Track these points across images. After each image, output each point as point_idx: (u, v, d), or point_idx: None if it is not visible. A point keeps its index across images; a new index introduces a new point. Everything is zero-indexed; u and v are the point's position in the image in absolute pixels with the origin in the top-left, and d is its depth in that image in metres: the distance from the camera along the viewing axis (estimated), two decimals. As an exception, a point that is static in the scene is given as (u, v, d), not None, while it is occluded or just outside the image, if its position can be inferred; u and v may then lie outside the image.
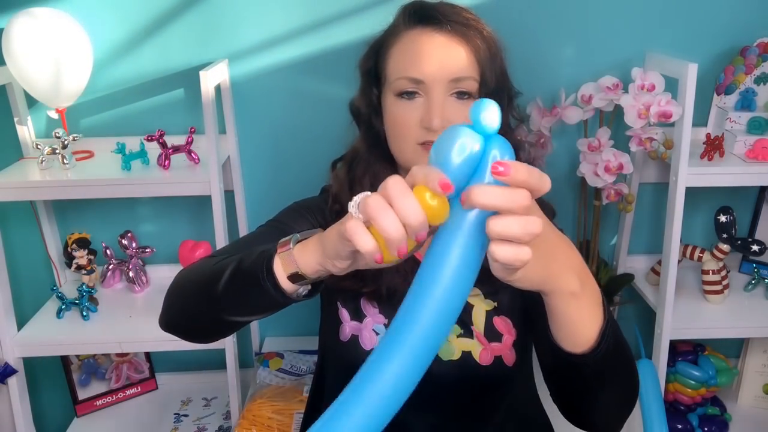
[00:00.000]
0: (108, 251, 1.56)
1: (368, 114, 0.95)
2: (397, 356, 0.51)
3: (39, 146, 1.37)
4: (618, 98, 1.30)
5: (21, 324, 1.44)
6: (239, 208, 1.56)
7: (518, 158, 1.00)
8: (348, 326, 0.94)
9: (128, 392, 1.68)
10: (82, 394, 1.64)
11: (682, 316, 1.41)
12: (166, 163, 1.37)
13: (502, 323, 0.92)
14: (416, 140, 0.88)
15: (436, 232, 0.53)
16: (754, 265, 1.54)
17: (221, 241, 1.38)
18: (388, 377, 0.51)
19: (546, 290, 0.60)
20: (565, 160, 1.52)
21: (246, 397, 1.52)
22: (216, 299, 0.74)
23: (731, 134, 1.39)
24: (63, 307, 1.47)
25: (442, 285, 0.51)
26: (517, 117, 0.99)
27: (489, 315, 0.93)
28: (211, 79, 1.29)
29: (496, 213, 0.49)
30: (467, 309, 0.93)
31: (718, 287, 1.45)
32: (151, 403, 1.68)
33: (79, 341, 1.42)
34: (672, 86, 1.27)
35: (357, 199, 0.55)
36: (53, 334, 1.43)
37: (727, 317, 1.43)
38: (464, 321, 0.92)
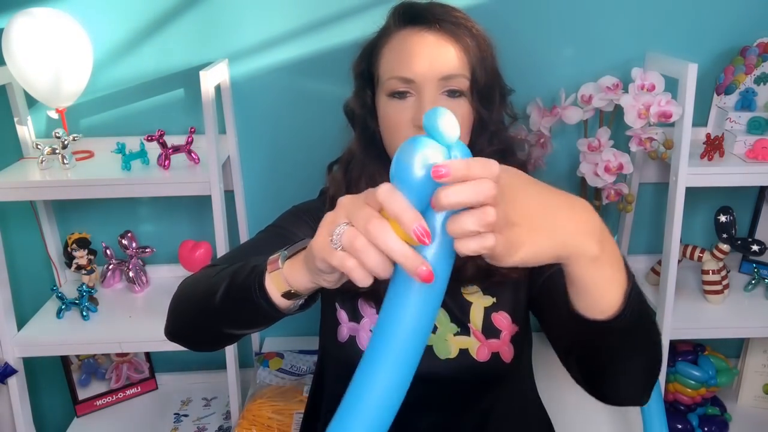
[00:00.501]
0: (108, 251, 1.56)
1: (363, 115, 0.96)
2: (384, 362, 0.51)
3: (39, 146, 1.37)
4: (618, 98, 1.30)
5: (21, 324, 1.44)
6: (239, 208, 1.56)
7: (517, 158, 1.00)
8: (346, 327, 0.95)
9: (128, 392, 1.68)
10: (82, 394, 1.64)
11: (682, 316, 1.41)
12: (166, 163, 1.37)
13: (500, 319, 0.93)
14: None
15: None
16: (754, 265, 1.54)
17: (221, 241, 1.38)
18: (379, 384, 0.51)
19: (562, 258, 0.56)
20: (565, 160, 1.52)
21: (246, 397, 1.52)
22: (213, 314, 0.74)
23: (731, 134, 1.39)
24: (63, 307, 1.47)
25: (416, 293, 0.51)
26: (510, 114, 0.99)
27: (487, 312, 0.93)
28: (211, 79, 1.29)
29: None
30: (465, 307, 0.93)
31: (718, 287, 1.45)
32: (151, 403, 1.68)
33: (79, 341, 1.42)
34: (672, 86, 1.27)
35: (338, 231, 0.53)
36: (53, 334, 1.43)
37: (727, 317, 1.43)
38: (461, 319, 0.92)
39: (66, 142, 1.36)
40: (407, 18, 0.91)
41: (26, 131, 1.48)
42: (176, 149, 1.38)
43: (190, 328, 0.81)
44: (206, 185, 1.32)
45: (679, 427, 1.53)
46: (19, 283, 1.58)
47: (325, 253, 0.53)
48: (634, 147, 1.33)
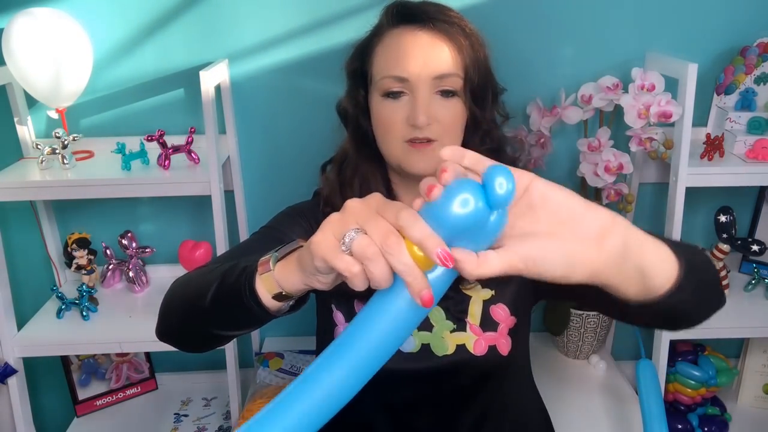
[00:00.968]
0: (108, 251, 1.56)
1: (356, 115, 0.96)
2: (343, 364, 0.52)
3: (39, 146, 1.37)
4: (618, 98, 1.30)
5: (21, 324, 1.44)
6: (239, 208, 1.56)
7: (508, 156, 1.00)
8: (342, 328, 0.95)
9: (128, 392, 1.68)
10: (82, 394, 1.64)
11: (682, 316, 1.40)
12: (166, 163, 1.37)
13: (498, 311, 0.93)
14: (403, 138, 0.89)
15: None
16: (754, 265, 1.54)
17: (221, 241, 1.38)
18: (332, 379, 0.52)
19: (594, 276, 0.53)
20: (565, 160, 1.52)
21: (246, 397, 1.52)
22: (203, 315, 0.74)
23: (731, 134, 1.39)
24: (63, 307, 1.47)
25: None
26: (502, 114, 0.99)
27: (486, 304, 0.93)
28: (211, 79, 1.29)
29: None
30: (464, 301, 0.93)
31: (718, 287, 1.45)
32: (151, 403, 1.68)
33: (79, 341, 1.42)
34: (672, 86, 1.27)
35: (350, 236, 0.51)
36: (53, 334, 1.43)
37: (727, 317, 1.43)
38: (458, 316, 0.93)
39: (66, 142, 1.36)
40: (401, 17, 0.91)
41: (26, 131, 1.48)
42: (176, 149, 1.38)
43: (180, 329, 0.80)
44: (206, 185, 1.32)
45: (679, 427, 1.53)
46: (19, 283, 1.57)
47: (329, 254, 0.52)
48: (634, 147, 1.33)
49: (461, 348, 0.91)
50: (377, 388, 0.94)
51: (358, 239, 0.50)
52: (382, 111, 0.90)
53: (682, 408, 1.56)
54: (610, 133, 1.36)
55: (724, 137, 1.34)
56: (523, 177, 0.51)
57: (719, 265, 1.45)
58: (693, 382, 1.52)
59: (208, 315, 0.73)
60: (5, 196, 1.32)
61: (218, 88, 1.42)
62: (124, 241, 1.54)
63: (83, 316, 1.45)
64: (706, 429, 1.53)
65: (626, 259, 0.54)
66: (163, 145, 1.36)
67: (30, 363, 1.49)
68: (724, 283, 1.46)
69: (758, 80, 1.42)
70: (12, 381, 1.41)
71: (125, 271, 1.57)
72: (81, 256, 1.54)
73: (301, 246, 0.62)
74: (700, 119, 1.46)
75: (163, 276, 1.62)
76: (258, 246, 0.86)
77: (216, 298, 0.71)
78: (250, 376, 1.61)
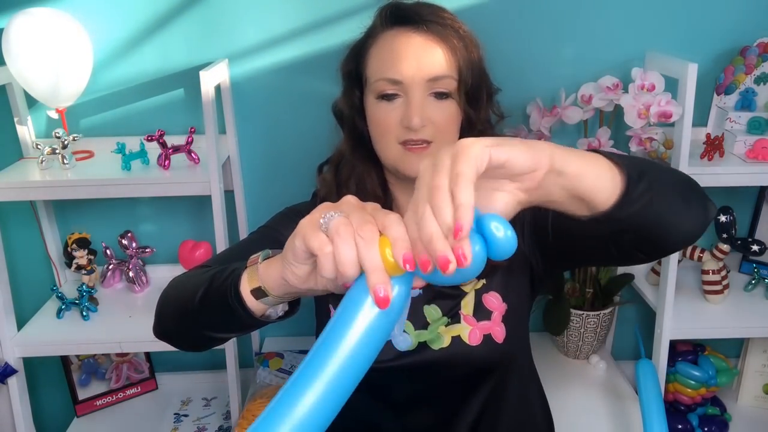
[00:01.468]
0: (108, 251, 1.56)
1: (351, 116, 0.96)
2: (316, 381, 0.51)
3: (39, 146, 1.37)
4: (618, 98, 1.30)
5: (21, 324, 1.44)
6: (239, 208, 1.56)
7: None
8: None
9: (128, 392, 1.68)
10: (82, 394, 1.64)
11: (682, 316, 1.41)
12: (166, 163, 1.37)
13: (491, 299, 0.93)
14: (398, 140, 0.89)
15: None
16: (754, 265, 1.54)
17: (221, 241, 1.38)
18: (306, 397, 0.51)
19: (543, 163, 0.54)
20: (565, 160, 1.52)
21: (246, 397, 1.52)
22: (193, 317, 0.74)
23: (731, 134, 1.39)
24: (63, 307, 1.47)
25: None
26: (497, 113, 0.99)
27: (478, 294, 0.93)
28: (211, 79, 1.29)
29: None
30: (459, 296, 0.93)
31: (718, 287, 1.45)
32: (151, 403, 1.68)
33: (79, 341, 1.42)
34: (672, 86, 1.27)
35: (330, 215, 0.54)
36: (53, 334, 1.43)
37: (727, 317, 1.43)
38: (453, 309, 0.93)
39: (66, 142, 1.36)
40: (394, 18, 0.91)
41: (26, 131, 1.48)
42: (176, 149, 1.38)
43: (174, 329, 0.81)
44: (206, 185, 1.32)
45: (679, 427, 1.53)
46: (19, 283, 1.58)
47: (308, 230, 0.54)
48: (634, 147, 1.33)
49: (457, 339, 0.92)
50: (376, 387, 0.94)
51: (336, 218, 0.52)
52: (377, 113, 0.90)
53: (682, 408, 1.56)
54: (610, 133, 1.36)
55: (724, 137, 1.34)
56: (481, 154, 0.51)
57: (719, 265, 1.45)
58: (693, 382, 1.52)
59: (198, 317, 0.74)
60: (5, 196, 1.32)
61: (218, 88, 1.42)
62: (124, 241, 1.54)
63: (83, 316, 1.45)
64: (706, 429, 1.53)
65: (556, 190, 0.56)
66: (163, 145, 1.36)
67: (30, 363, 1.49)
68: (724, 283, 1.45)
69: (758, 80, 1.42)
70: (12, 381, 1.41)
71: (125, 271, 1.57)
72: (81, 256, 1.54)
73: None
74: (700, 119, 1.46)
75: (163, 276, 1.61)
76: (254, 246, 0.86)
77: (204, 300, 0.71)
78: (250, 376, 1.61)
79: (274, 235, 0.93)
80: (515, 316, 0.94)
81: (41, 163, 1.36)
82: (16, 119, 1.47)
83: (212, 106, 1.28)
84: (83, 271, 1.55)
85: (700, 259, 1.46)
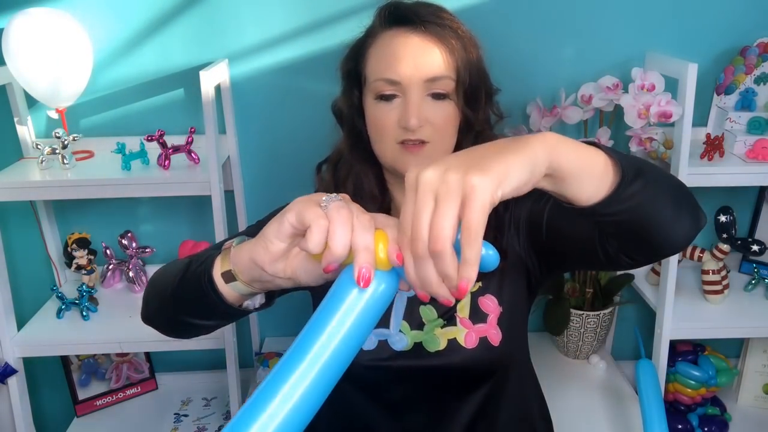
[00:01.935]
0: (108, 251, 1.56)
1: (350, 115, 0.96)
2: (299, 370, 0.51)
3: (39, 146, 1.37)
4: (618, 98, 1.30)
5: (21, 324, 1.44)
6: (239, 208, 1.56)
7: None
8: None
9: (128, 392, 1.68)
10: (82, 394, 1.64)
11: (682, 316, 1.41)
12: (166, 163, 1.37)
13: (487, 302, 0.94)
14: (395, 140, 0.89)
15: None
16: (754, 265, 1.54)
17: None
18: (289, 384, 0.51)
19: (542, 159, 0.56)
20: (565, 160, 1.52)
21: (246, 397, 1.52)
22: (172, 303, 0.76)
23: (731, 134, 1.39)
24: (63, 307, 1.47)
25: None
26: (497, 114, 0.99)
27: (474, 296, 0.93)
28: (211, 79, 1.29)
29: None
30: (455, 300, 0.93)
31: (718, 287, 1.45)
32: (151, 403, 1.68)
33: (79, 341, 1.42)
34: (672, 86, 1.27)
35: (333, 196, 0.56)
36: (53, 334, 1.43)
37: (727, 317, 1.43)
38: (448, 312, 0.93)
39: (66, 142, 1.36)
40: (393, 19, 0.91)
41: (26, 131, 1.48)
42: (176, 149, 1.38)
43: (158, 316, 0.82)
44: (206, 185, 1.32)
45: (679, 427, 1.53)
46: (19, 283, 1.58)
47: (306, 205, 0.56)
48: (634, 147, 1.33)
49: (452, 342, 0.92)
50: (372, 387, 0.94)
51: (339, 202, 0.55)
52: (375, 113, 0.90)
53: (682, 408, 1.56)
54: (610, 133, 1.36)
55: (724, 137, 1.34)
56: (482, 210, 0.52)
57: (719, 265, 1.45)
58: (693, 382, 1.52)
59: (176, 302, 0.75)
60: (5, 196, 1.32)
61: (218, 88, 1.42)
62: (124, 241, 1.54)
63: (83, 316, 1.45)
64: (706, 429, 1.53)
65: (551, 181, 0.58)
66: (163, 145, 1.36)
67: (30, 363, 1.49)
68: (724, 283, 1.45)
69: (758, 80, 1.42)
70: (12, 381, 1.41)
71: (125, 271, 1.57)
72: (81, 256, 1.54)
73: None
74: (700, 119, 1.46)
75: (163, 276, 1.61)
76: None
77: (180, 284, 0.73)
78: (250, 376, 1.61)
79: None
80: (511, 318, 0.94)
81: (41, 163, 1.36)
82: (16, 119, 1.47)
83: (212, 106, 1.28)
84: (83, 271, 1.55)
85: (700, 259, 1.46)
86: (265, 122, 1.52)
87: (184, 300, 0.74)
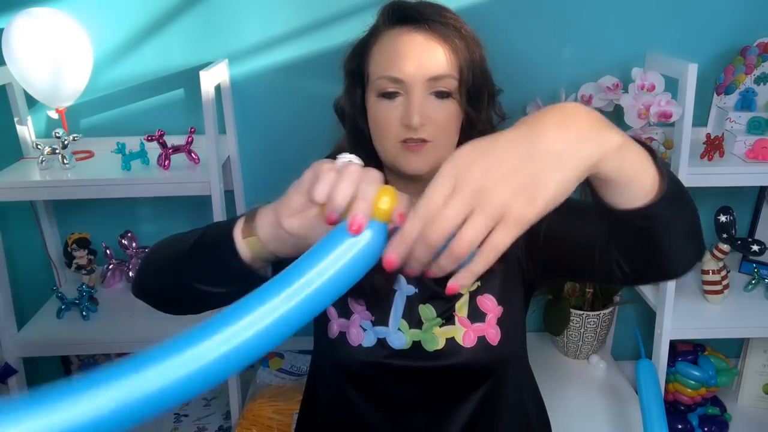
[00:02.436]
0: (108, 251, 1.56)
1: (353, 113, 0.96)
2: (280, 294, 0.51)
3: (39, 146, 1.37)
4: (618, 98, 1.31)
5: (21, 324, 1.44)
6: (239, 208, 1.56)
7: None
8: (336, 323, 0.95)
9: (128, 392, 1.68)
10: (82, 394, 1.63)
11: (682, 316, 1.41)
12: (166, 163, 1.37)
13: (485, 302, 0.94)
14: (397, 138, 0.89)
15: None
16: (754, 265, 1.54)
17: (221, 241, 1.38)
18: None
19: (591, 168, 0.54)
20: (565, 160, 1.52)
21: (246, 397, 1.52)
22: (181, 264, 0.76)
23: (731, 134, 1.39)
24: (63, 307, 1.47)
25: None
26: (499, 114, 0.99)
27: (473, 296, 0.93)
28: (211, 79, 1.29)
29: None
30: (453, 298, 0.93)
31: (718, 287, 1.45)
32: (151, 403, 1.68)
33: (79, 341, 1.42)
34: (672, 86, 1.27)
35: (348, 157, 0.60)
36: (53, 334, 1.43)
37: (727, 317, 1.43)
38: (447, 311, 0.93)
39: (66, 142, 1.36)
40: (396, 17, 0.91)
41: (26, 131, 1.48)
42: (176, 149, 1.38)
43: (157, 282, 0.81)
44: (206, 185, 1.32)
45: (679, 427, 1.53)
46: (19, 283, 1.57)
47: (321, 164, 0.60)
48: (634, 147, 1.33)
49: (451, 341, 0.92)
50: (371, 386, 0.95)
51: (353, 163, 0.58)
52: (378, 111, 0.90)
53: (682, 408, 1.56)
54: (610, 133, 1.36)
55: (724, 137, 1.34)
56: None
57: (719, 265, 1.45)
58: (693, 382, 1.52)
59: (187, 263, 0.75)
60: (5, 196, 1.32)
61: (218, 88, 1.42)
62: (124, 241, 1.54)
63: (83, 316, 1.45)
64: (706, 429, 1.53)
65: (620, 155, 0.57)
66: (163, 145, 1.36)
67: (30, 363, 1.49)
68: (724, 283, 1.45)
69: (758, 80, 1.42)
70: (12, 381, 1.41)
71: (125, 271, 1.57)
72: (81, 256, 1.54)
73: None
74: (700, 119, 1.46)
75: (163, 276, 1.61)
76: None
77: (196, 245, 0.74)
78: (250, 376, 1.61)
79: None
80: (510, 319, 0.94)
81: (41, 163, 1.36)
82: (16, 119, 1.47)
83: (212, 106, 1.28)
84: (83, 271, 1.55)
85: (700, 259, 1.46)
86: (265, 122, 1.52)
87: (197, 261, 0.74)
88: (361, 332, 0.93)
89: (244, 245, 0.68)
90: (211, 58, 1.45)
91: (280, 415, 1.40)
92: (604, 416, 1.42)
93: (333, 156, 1.01)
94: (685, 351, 1.57)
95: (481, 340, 0.92)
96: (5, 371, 1.39)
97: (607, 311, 1.53)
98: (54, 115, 1.44)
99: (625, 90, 1.32)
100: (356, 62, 0.95)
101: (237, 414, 1.48)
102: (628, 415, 1.43)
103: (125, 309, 1.50)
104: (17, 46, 1.30)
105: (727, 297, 1.47)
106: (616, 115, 1.38)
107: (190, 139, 1.39)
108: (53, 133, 1.36)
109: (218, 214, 1.35)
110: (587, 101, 1.34)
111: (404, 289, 0.94)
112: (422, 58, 0.87)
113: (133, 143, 1.39)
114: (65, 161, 1.37)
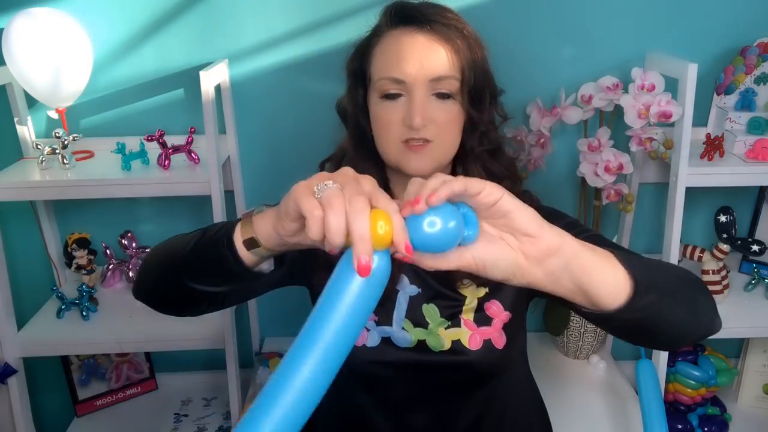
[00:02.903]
0: (108, 251, 1.56)
1: (355, 114, 0.96)
2: (309, 360, 0.53)
3: (39, 146, 1.37)
4: (618, 98, 1.30)
5: (21, 324, 1.44)
6: (239, 208, 1.56)
7: (507, 156, 1.01)
8: None
9: (128, 392, 1.68)
10: (82, 394, 1.64)
11: (682, 316, 1.40)
12: (166, 163, 1.37)
13: (492, 307, 0.94)
14: (399, 138, 0.89)
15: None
16: (754, 265, 1.54)
17: (221, 241, 1.38)
18: (300, 381, 0.53)
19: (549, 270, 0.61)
20: (565, 160, 1.52)
21: (246, 397, 1.52)
22: (181, 265, 0.77)
23: (731, 134, 1.39)
24: (63, 307, 1.47)
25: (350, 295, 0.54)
26: (501, 114, 0.99)
27: (480, 301, 0.94)
28: (211, 79, 1.29)
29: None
30: (459, 301, 0.93)
31: (718, 287, 1.45)
32: (151, 403, 1.68)
33: (79, 341, 1.42)
34: (672, 86, 1.27)
35: (325, 184, 0.58)
36: (53, 334, 1.43)
37: (727, 317, 1.41)
38: (454, 313, 0.93)
39: (66, 142, 1.36)
40: (399, 18, 0.91)
41: (26, 131, 1.48)
42: (176, 149, 1.38)
43: (158, 284, 0.82)
44: (206, 185, 1.32)
45: (679, 427, 1.53)
46: (19, 283, 1.57)
47: (302, 194, 0.57)
48: (634, 147, 1.33)
49: (457, 343, 0.92)
50: (375, 385, 0.95)
51: (330, 189, 0.56)
52: (380, 112, 0.91)
53: (682, 408, 1.56)
54: (610, 133, 1.36)
55: (724, 137, 1.34)
56: (495, 191, 0.58)
57: (719, 265, 1.45)
58: (693, 382, 1.52)
59: (186, 264, 0.76)
60: (5, 196, 1.32)
61: (218, 88, 1.42)
62: (124, 241, 1.54)
63: (83, 316, 1.45)
64: (706, 429, 1.53)
65: (562, 277, 0.62)
66: (163, 145, 1.36)
67: (30, 363, 1.49)
68: (724, 283, 1.45)
69: (758, 80, 1.42)
70: (12, 381, 1.41)
71: (125, 271, 1.57)
72: (81, 256, 1.54)
73: None
74: (700, 119, 1.46)
75: (163, 276, 1.61)
76: None
77: (195, 248, 0.75)
78: (250, 376, 1.61)
79: None
80: (515, 324, 0.95)
81: (41, 163, 1.36)
82: (16, 119, 1.47)
83: (212, 106, 1.28)
84: (83, 271, 1.55)
85: (700, 259, 1.46)
86: (265, 122, 1.52)
87: (196, 263, 0.76)
88: (365, 333, 0.93)
89: (248, 254, 0.70)
90: (211, 58, 1.45)
91: (280, 415, 1.40)
92: (604, 416, 1.42)
93: (335, 157, 1.01)
94: (685, 351, 1.57)
95: (487, 343, 0.92)
96: (5, 371, 1.39)
97: (607, 311, 1.53)
98: (54, 115, 1.44)
99: (625, 90, 1.32)
100: (358, 63, 0.96)
101: (237, 414, 1.48)
102: (628, 415, 1.42)
103: (125, 309, 1.50)
104: (17, 46, 1.30)
105: (727, 297, 1.47)
106: (616, 115, 1.38)
107: (190, 139, 1.39)
108: (53, 133, 1.36)
109: (218, 214, 1.35)
110: (587, 101, 1.34)
111: (407, 289, 0.94)
112: (424, 59, 0.87)
113: (133, 143, 1.39)
114: (65, 161, 1.37)
